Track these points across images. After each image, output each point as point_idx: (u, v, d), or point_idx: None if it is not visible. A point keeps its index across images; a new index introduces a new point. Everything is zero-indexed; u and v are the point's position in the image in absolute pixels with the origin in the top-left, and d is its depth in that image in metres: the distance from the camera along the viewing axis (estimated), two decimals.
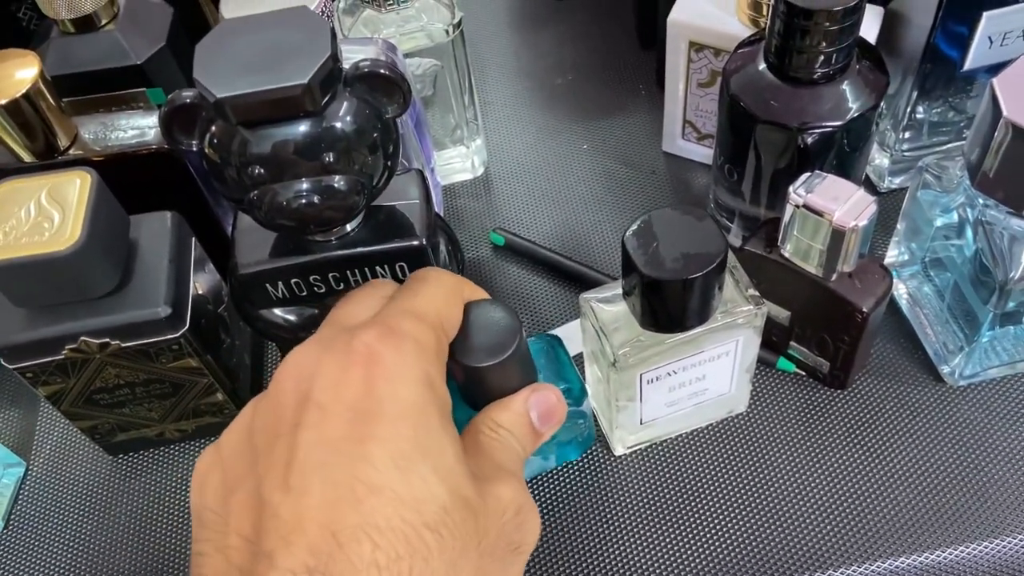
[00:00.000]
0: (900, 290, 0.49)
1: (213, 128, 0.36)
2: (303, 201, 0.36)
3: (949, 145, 0.53)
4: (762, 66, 0.43)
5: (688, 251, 0.34)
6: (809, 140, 0.42)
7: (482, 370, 0.34)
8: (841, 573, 0.42)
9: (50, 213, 0.37)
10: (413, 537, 0.25)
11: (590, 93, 0.64)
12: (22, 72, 0.41)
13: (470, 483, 0.28)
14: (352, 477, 0.26)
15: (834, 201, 0.39)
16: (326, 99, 0.35)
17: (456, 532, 0.26)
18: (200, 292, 0.43)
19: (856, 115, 0.42)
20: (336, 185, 0.36)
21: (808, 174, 0.40)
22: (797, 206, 0.39)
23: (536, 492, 0.45)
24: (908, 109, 0.50)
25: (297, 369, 0.30)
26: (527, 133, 0.62)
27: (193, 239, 0.44)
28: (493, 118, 0.63)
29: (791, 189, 0.40)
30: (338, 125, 0.36)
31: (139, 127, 0.45)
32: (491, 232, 0.56)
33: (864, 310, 0.41)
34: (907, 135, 0.52)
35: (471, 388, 0.37)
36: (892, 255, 0.49)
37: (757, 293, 0.39)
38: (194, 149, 0.37)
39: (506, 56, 0.67)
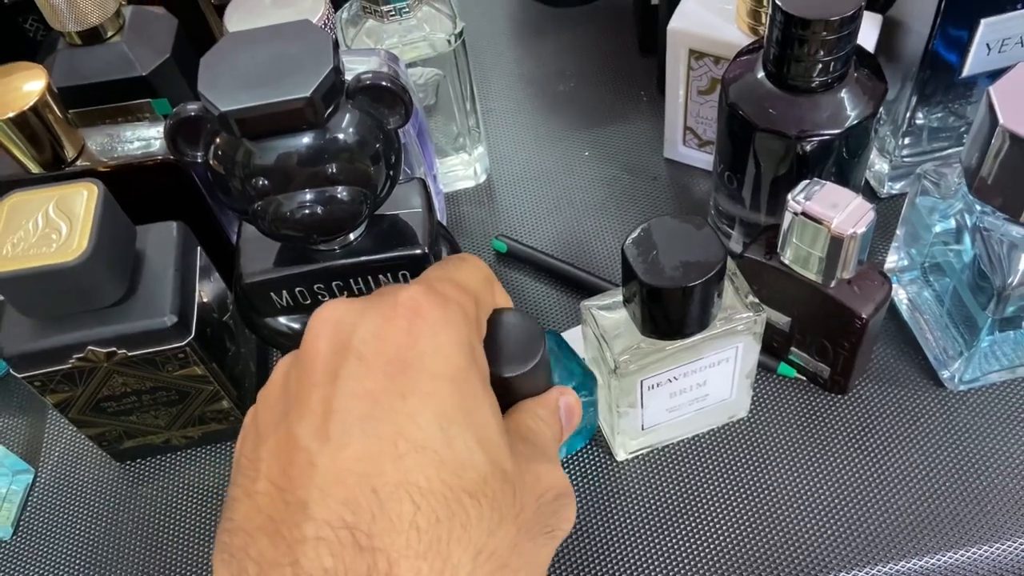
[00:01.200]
0: (900, 295, 0.49)
1: (217, 140, 0.37)
2: (306, 211, 0.37)
3: (950, 150, 0.53)
4: (761, 74, 0.43)
5: (687, 259, 0.35)
6: (808, 148, 0.42)
7: (510, 380, 0.34)
8: None
9: (57, 224, 0.38)
10: (453, 502, 0.24)
11: (591, 100, 0.64)
12: (30, 85, 0.41)
13: (510, 457, 0.27)
14: (395, 431, 0.25)
15: (833, 208, 0.39)
16: (329, 111, 0.35)
17: (495, 503, 0.25)
18: (205, 301, 0.44)
19: (854, 123, 0.42)
20: (339, 195, 0.37)
21: (807, 181, 0.40)
22: (796, 213, 0.40)
23: None
24: (908, 115, 0.51)
25: (335, 317, 0.28)
26: (529, 140, 0.63)
27: (199, 248, 0.45)
28: (495, 125, 0.64)
29: (790, 197, 0.40)
30: (341, 136, 0.36)
31: (145, 138, 0.45)
32: (493, 239, 0.56)
33: (863, 316, 0.41)
34: (907, 141, 0.52)
35: (497, 397, 0.37)
36: (892, 260, 0.50)
37: (756, 300, 0.39)
38: (199, 161, 0.38)
39: (508, 64, 0.68)
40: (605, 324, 0.39)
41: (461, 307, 0.29)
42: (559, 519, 0.29)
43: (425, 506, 0.24)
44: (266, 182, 0.36)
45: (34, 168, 0.43)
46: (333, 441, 0.25)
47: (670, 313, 0.36)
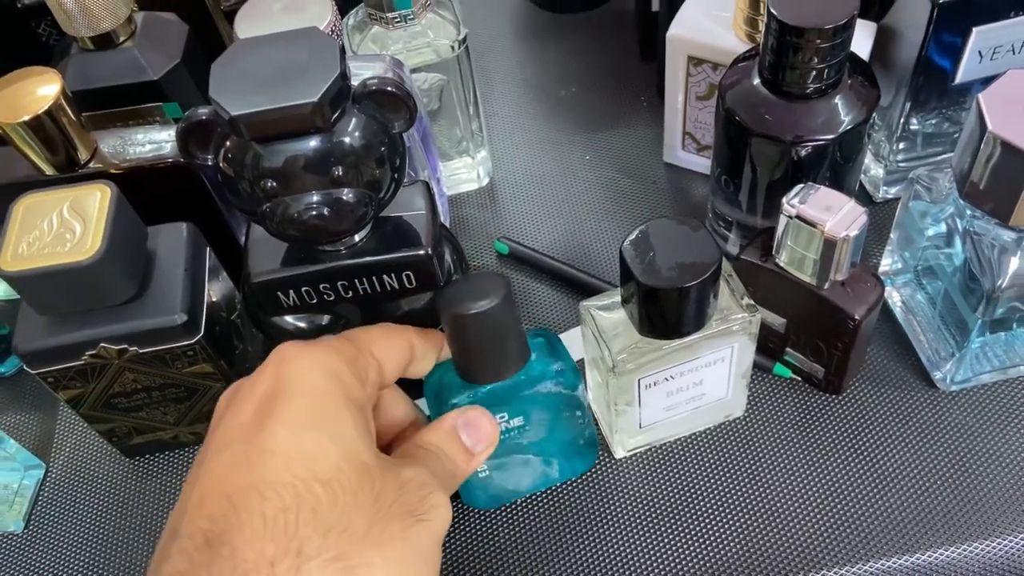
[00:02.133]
0: (894, 298, 0.50)
1: (227, 143, 0.38)
2: (313, 213, 0.38)
3: (943, 156, 0.54)
4: (757, 81, 0.44)
5: (683, 260, 0.36)
6: (802, 153, 0.43)
7: (467, 318, 0.36)
8: (835, 573, 0.43)
9: (72, 224, 0.39)
10: (302, 489, 0.28)
11: (592, 105, 0.65)
12: (44, 89, 0.42)
13: (369, 451, 0.30)
14: (251, 447, 0.29)
15: (826, 212, 0.40)
16: (335, 116, 0.37)
17: (348, 487, 0.29)
18: (214, 300, 0.45)
19: (848, 128, 0.43)
20: (344, 198, 0.38)
21: (801, 185, 0.41)
22: (790, 217, 0.41)
23: (538, 495, 0.46)
24: (902, 121, 0.52)
25: (227, 392, 0.34)
26: (531, 144, 0.64)
27: (208, 249, 0.46)
28: (498, 129, 0.65)
29: (784, 200, 0.41)
30: (347, 140, 0.37)
31: (156, 141, 0.46)
32: (495, 241, 0.57)
33: (856, 317, 0.42)
34: (902, 146, 0.53)
35: (462, 350, 0.38)
36: (886, 264, 0.51)
37: (752, 301, 0.40)
38: (209, 163, 0.39)
39: (510, 69, 0.69)
40: (603, 324, 0.40)
41: (331, 347, 0.33)
42: (425, 505, 0.31)
43: (272, 496, 0.28)
44: (274, 184, 0.37)
45: (48, 170, 0.44)
46: (203, 474, 0.30)
47: (667, 313, 0.37)
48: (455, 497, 0.44)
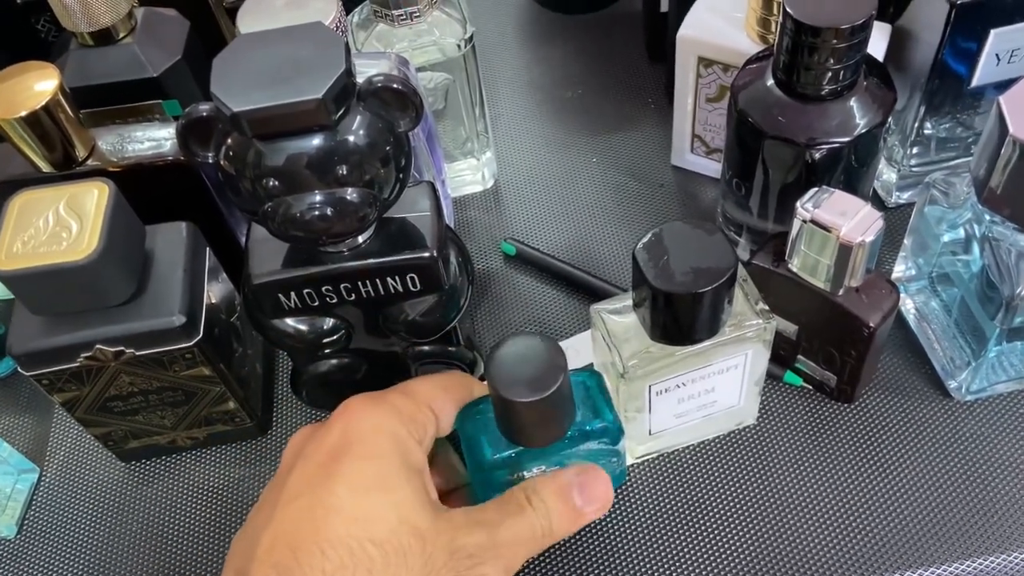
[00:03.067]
0: (907, 305, 0.49)
1: (229, 141, 0.37)
2: (316, 213, 0.37)
3: (957, 161, 0.53)
4: (770, 82, 0.43)
5: (698, 265, 0.35)
6: (817, 156, 0.43)
7: (519, 405, 0.35)
8: None
9: (68, 223, 0.38)
10: (357, 549, 0.30)
11: (599, 107, 0.64)
12: (42, 84, 0.41)
13: (426, 516, 0.33)
14: (316, 503, 0.31)
15: (841, 216, 0.39)
16: (340, 113, 0.36)
17: (400, 549, 0.31)
18: (213, 301, 0.44)
19: (863, 131, 0.42)
20: (348, 198, 0.37)
21: (816, 189, 0.40)
22: (804, 221, 0.40)
23: None
24: (916, 125, 0.51)
25: (297, 437, 0.37)
26: (537, 146, 0.63)
27: (207, 249, 0.45)
28: (503, 131, 0.64)
29: (798, 204, 0.40)
30: (351, 139, 0.36)
31: (155, 138, 0.45)
32: (502, 242, 0.56)
33: (871, 325, 0.41)
34: (915, 151, 0.52)
35: (508, 421, 0.37)
36: (899, 270, 0.50)
37: (767, 307, 0.39)
38: (210, 161, 0.38)
39: (516, 70, 0.68)
40: (614, 328, 0.39)
41: (395, 407, 0.35)
42: (474, 573, 0.33)
43: (332, 554, 0.30)
44: (276, 183, 0.36)
45: (45, 167, 0.44)
46: (273, 522, 0.32)
47: (680, 319, 0.36)
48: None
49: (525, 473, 0.40)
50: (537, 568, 0.43)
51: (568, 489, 0.36)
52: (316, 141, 0.36)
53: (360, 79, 0.37)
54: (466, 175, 0.60)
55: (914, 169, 0.53)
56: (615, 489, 0.45)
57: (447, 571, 0.32)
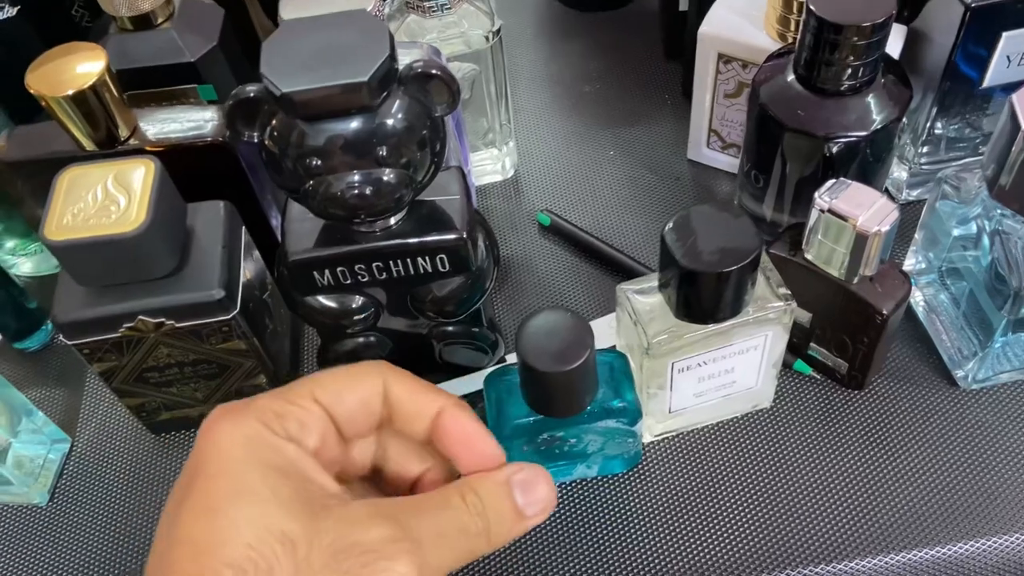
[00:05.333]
0: (916, 297, 0.51)
1: (274, 121, 0.38)
2: (355, 192, 0.38)
3: (964, 160, 0.55)
4: (791, 77, 0.45)
5: (724, 246, 0.36)
6: (834, 149, 0.44)
7: (548, 375, 0.36)
8: (855, 564, 0.43)
9: (116, 197, 0.39)
10: (206, 566, 0.27)
11: (617, 101, 0.66)
12: (89, 65, 0.43)
13: (298, 518, 0.28)
14: (167, 543, 0.28)
15: (858, 207, 0.41)
16: (382, 97, 0.37)
17: (265, 564, 0.27)
18: (248, 278, 0.45)
19: (880, 126, 0.44)
20: (386, 178, 0.39)
21: (833, 181, 0.42)
22: (822, 211, 0.41)
23: (561, 480, 0.47)
24: (928, 124, 0.52)
25: None
26: (555, 138, 0.64)
27: (243, 228, 0.46)
28: (523, 123, 0.66)
29: (817, 195, 0.41)
30: (390, 121, 0.38)
31: (194, 120, 0.47)
32: (539, 213, 0.58)
33: (884, 312, 0.43)
34: (925, 149, 0.54)
35: (533, 390, 0.39)
36: (909, 264, 0.51)
37: (788, 291, 0.40)
38: (254, 141, 0.39)
39: (536, 64, 0.70)
40: (640, 308, 0.40)
41: (254, 407, 0.30)
42: (373, 569, 0.28)
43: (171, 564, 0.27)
44: (318, 162, 0.38)
45: (88, 145, 0.45)
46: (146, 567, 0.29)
47: (704, 297, 0.38)
48: None
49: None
50: (549, 542, 0.45)
51: (507, 486, 0.32)
52: (358, 123, 0.37)
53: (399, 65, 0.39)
54: (487, 164, 0.62)
55: (924, 167, 0.55)
56: (628, 471, 0.47)
57: (328, 572, 0.27)
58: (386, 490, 0.35)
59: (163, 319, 0.42)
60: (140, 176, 0.40)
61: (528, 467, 0.33)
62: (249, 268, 0.46)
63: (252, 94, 0.37)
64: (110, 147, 0.45)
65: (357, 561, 0.28)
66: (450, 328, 0.48)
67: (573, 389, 0.38)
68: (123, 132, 0.45)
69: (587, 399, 0.40)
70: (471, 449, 0.33)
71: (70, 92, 0.42)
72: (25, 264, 0.58)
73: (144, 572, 0.29)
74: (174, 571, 0.27)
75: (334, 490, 0.30)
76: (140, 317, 0.41)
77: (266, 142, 0.39)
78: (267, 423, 0.30)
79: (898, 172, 0.56)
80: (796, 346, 0.49)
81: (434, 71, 0.38)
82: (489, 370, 0.46)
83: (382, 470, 0.35)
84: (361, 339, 0.47)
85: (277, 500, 0.28)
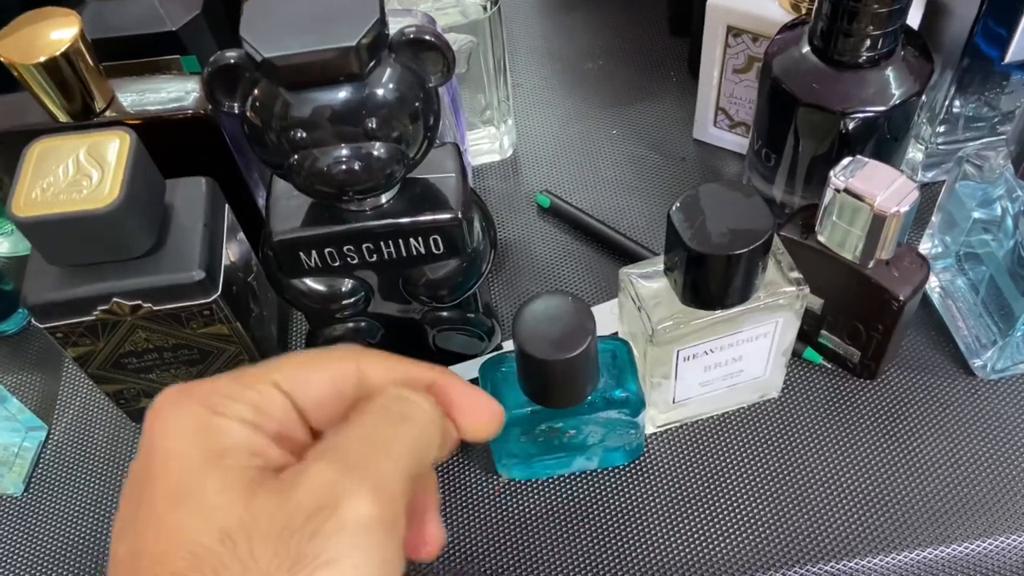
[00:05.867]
0: (932, 283, 0.49)
1: (256, 91, 0.36)
2: (343, 167, 0.36)
3: (982, 140, 0.53)
4: (806, 49, 0.42)
5: (735, 227, 0.34)
6: (851, 125, 0.42)
7: (543, 363, 0.34)
8: (867, 562, 0.41)
9: (88, 171, 0.37)
10: None
11: (620, 78, 0.64)
12: (62, 31, 0.40)
13: (234, 510, 0.25)
14: (114, 537, 0.26)
15: (876, 186, 0.39)
16: (371, 64, 0.35)
17: (209, 566, 0.24)
18: (232, 260, 0.43)
19: (900, 101, 0.41)
20: (376, 153, 0.36)
21: (850, 159, 0.39)
22: (838, 190, 0.39)
23: (560, 472, 0.45)
24: (946, 103, 0.50)
25: None
26: (556, 116, 0.62)
27: (226, 206, 0.44)
28: (521, 100, 0.63)
29: (832, 173, 0.39)
30: (380, 92, 0.36)
31: (175, 91, 0.44)
32: (537, 194, 0.56)
33: (901, 298, 0.41)
34: (942, 129, 0.52)
35: (532, 380, 0.37)
36: (925, 248, 0.49)
37: (800, 275, 0.38)
38: (236, 112, 0.37)
39: (536, 39, 0.67)
40: (644, 293, 0.38)
41: (200, 389, 0.27)
42: (321, 545, 0.24)
43: None
44: (303, 135, 0.36)
45: (62, 117, 0.43)
46: None
47: (713, 281, 0.35)
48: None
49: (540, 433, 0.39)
50: (550, 532, 0.43)
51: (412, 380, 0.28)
52: (346, 92, 0.35)
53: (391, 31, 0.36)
54: (484, 143, 0.59)
55: (940, 147, 0.53)
56: (630, 464, 0.45)
57: (277, 561, 0.23)
58: None
59: (140, 302, 0.40)
60: (115, 149, 0.38)
61: (446, 374, 0.29)
62: (232, 248, 0.44)
63: (232, 60, 0.35)
64: (85, 119, 0.43)
65: (304, 534, 0.23)
66: (444, 313, 0.45)
67: (573, 378, 0.36)
68: (99, 103, 0.43)
69: (588, 389, 0.38)
70: (472, 413, 0.30)
71: (41, 59, 0.40)
72: (1, 244, 0.56)
73: None
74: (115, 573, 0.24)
75: (280, 462, 0.26)
76: (115, 299, 0.39)
77: (248, 113, 0.36)
78: (213, 406, 0.26)
79: (913, 153, 0.54)
80: (806, 333, 0.47)
81: (427, 37, 0.35)
82: (485, 358, 0.44)
83: None
84: (351, 324, 0.45)
85: (215, 492, 0.25)
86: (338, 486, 0.24)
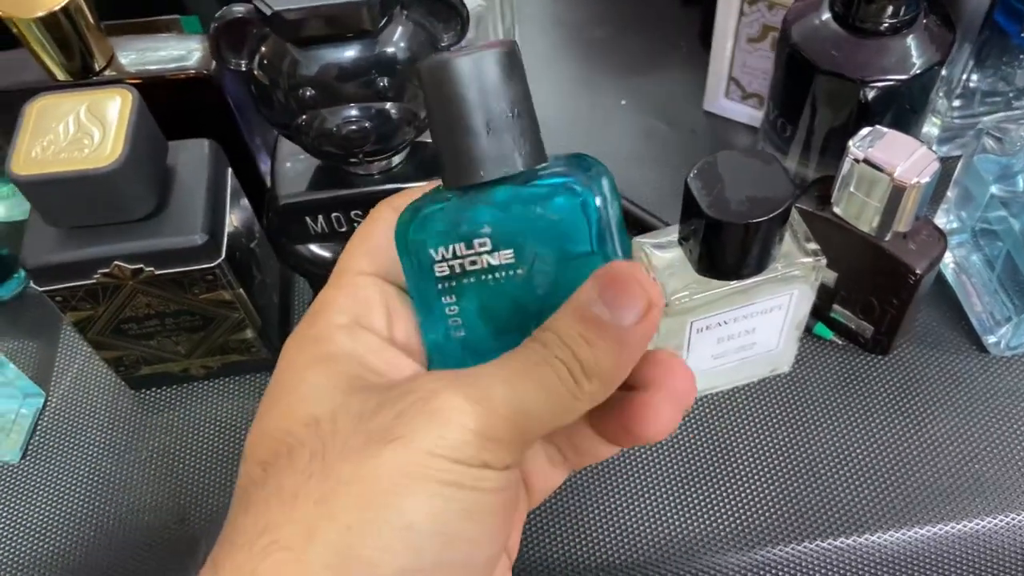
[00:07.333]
0: (946, 259, 0.48)
1: (264, 48, 0.35)
2: (353, 127, 0.35)
3: (996, 115, 0.52)
4: (825, 15, 0.41)
5: (754, 195, 0.33)
6: (870, 94, 0.41)
7: (447, 70, 0.23)
8: (878, 538, 0.41)
9: (89, 129, 0.36)
10: (246, 474, 0.25)
11: (629, 47, 0.62)
12: None
13: (326, 402, 0.25)
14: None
15: (896, 157, 0.38)
16: (383, 21, 0.34)
17: (284, 449, 0.24)
18: (235, 225, 0.42)
19: (921, 70, 0.40)
20: (386, 113, 0.35)
21: (869, 128, 0.39)
22: (856, 160, 0.38)
23: None
24: (964, 76, 0.49)
25: None
26: (562, 85, 0.61)
27: (229, 170, 0.43)
28: (528, 69, 0.61)
29: (851, 143, 0.38)
30: (392, 50, 0.35)
31: (177, 51, 0.43)
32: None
33: (918, 272, 0.40)
34: (959, 103, 0.51)
35: (440, 125, 0.24)
36: (940, 223, 0.48)
37: (817, 246, 0.37)
38: (243, 69, 0.36)
39: (541, 5, 0.66)
40: (657, 263, 0.37)
41: (314, 303, 0.28)
42: (405, 424, 0.23)
43: (236, 488, 0.25)
44: (312, 93, 0.35)
45: (61, 75, 0.41)
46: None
47: (730, 251, 0.35)
48: None
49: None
50: (554, 509, 0.42)
51: (583, 306, 0.23)
52: (356, 50, 0.34)
53: None
54: None
55: (956, 121, 0.52)
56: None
57: (358, 432, 0.23)
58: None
59: (141, 265, 0.39)
60: (116, 107, 0.37)
61: (607, 268, 0.24)
62: (236, 213, 0.42)
63: (240, 14, 0.34)
64: (84, 77, 0.41)
65: (390, 413, 0.23)
66: None
67: (492, 111, 0.24)
68: (99, 62, 0.42)
69: (518, 145, 0.25)
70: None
71: (40, 14, 0.38)
72: None
73: None
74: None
75: (403, 372, 0.26)
76: (116, 262, 0.38)
77: (255, 71, 0.36)
78: (313, 317, 0.27)
79: (927, 127, 0.53)
80: (817, 308, 0.46)
81: None
82: None
83: None
84: None
85: (313, 388, 0.25)
86: (440, 387, 0.23)
